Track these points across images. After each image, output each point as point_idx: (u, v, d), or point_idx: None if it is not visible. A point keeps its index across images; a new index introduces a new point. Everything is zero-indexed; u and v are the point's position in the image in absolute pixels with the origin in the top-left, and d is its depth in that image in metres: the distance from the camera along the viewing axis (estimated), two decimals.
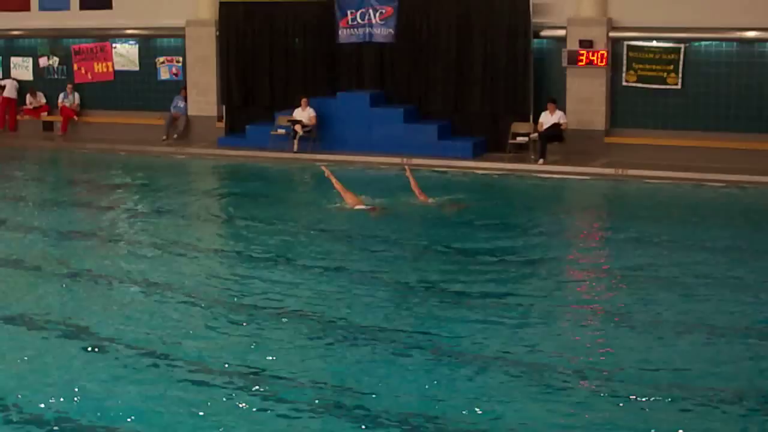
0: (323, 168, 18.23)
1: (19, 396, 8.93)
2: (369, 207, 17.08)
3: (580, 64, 22.01)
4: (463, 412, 8.57)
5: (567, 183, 20.58)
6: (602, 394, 8.98)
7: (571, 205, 19.55)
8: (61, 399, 8.86)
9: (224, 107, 25.63)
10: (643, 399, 8.84)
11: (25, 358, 9.97)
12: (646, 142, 21.69)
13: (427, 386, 9.17)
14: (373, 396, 8.92)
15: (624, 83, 22.10)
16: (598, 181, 20.49)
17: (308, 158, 22.73)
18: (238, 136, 24.90)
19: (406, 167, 18.93)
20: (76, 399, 8.88)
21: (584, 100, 22.13)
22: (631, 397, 8.87)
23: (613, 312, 11.57)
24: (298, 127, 23.26)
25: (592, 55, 21.92)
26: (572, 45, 22.07)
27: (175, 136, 25.82)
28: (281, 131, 23.65)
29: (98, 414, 8.56)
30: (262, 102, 25.13)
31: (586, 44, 21.92)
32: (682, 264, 13.64)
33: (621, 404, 8.75)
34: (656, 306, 11.72)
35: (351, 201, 17.10)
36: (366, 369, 9.61)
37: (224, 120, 25.63)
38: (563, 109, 22.00)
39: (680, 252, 14.43)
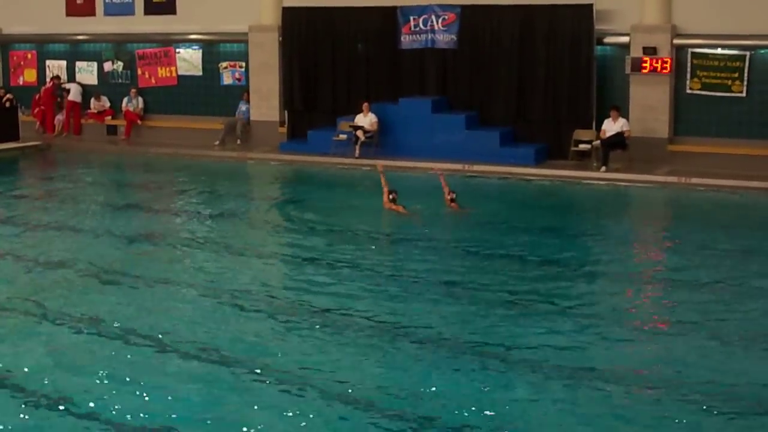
0: (379, 166, 18.48)
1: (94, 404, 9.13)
2: (405, 212, 17.21)
3: (644, 71, 21.91)
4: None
5: (629, 191, 20.45)
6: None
7: (633, 213, 19.46)
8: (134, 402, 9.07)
9: (286, 112, 25.84)
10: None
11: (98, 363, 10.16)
12: (710, 150, 21.46)
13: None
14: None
15: (688, 91, 21.95)
16: (661, 189, 20.37)
17: (370, 164, 22.77)
18: (299, 141, 25.06)
19: (441, 174, 18.57)
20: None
21: (648, 107, 22.01)
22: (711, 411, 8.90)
23: (683, 322, 11.53)
24: (359, 133, 23.37)
25: (656, 63, 21.80)
26: (636, 52, 21.97)
27: (238, 141, 26.05)
28: (343, 137, 23.78)
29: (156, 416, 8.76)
30: (324, 107, 25.29)
31: (650, 51, 21.81)
32: (747, 273, 13.58)
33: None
34: (721, 315, 11.66)
35: (386, 203, 17.37)
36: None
37: (286, 125, 25.84)
38: (626, 116, 21.91)
39: (745, 261, 14.37)
